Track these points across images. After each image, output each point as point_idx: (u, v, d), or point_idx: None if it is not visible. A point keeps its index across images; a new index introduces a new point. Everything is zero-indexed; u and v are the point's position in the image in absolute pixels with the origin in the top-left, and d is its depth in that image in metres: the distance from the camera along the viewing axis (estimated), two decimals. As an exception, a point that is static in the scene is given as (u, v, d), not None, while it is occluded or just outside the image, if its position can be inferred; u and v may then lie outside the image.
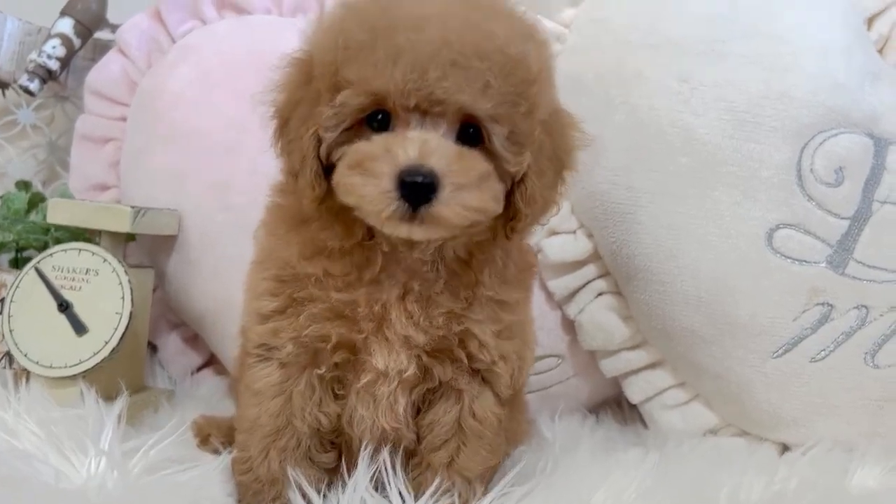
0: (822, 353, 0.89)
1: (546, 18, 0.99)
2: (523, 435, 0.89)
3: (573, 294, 0.99)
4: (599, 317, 0.98)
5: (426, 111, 0.61)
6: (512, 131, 0.62)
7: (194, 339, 1.13)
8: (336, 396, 0.73)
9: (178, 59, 1.10)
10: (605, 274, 0.98)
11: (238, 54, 1.08)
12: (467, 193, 0.61)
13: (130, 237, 1.06)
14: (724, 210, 0.90)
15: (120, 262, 0.94)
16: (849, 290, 0.89)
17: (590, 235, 0.98)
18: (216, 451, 0.81)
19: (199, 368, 1.13)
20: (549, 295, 1.00)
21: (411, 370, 0.69)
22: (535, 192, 0.65)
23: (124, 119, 1.13)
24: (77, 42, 1.23)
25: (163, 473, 0.70)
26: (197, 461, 0.75)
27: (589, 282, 0.99)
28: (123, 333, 0.91)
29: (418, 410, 0.74)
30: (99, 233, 0.99)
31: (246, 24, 1.13)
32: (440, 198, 0.59)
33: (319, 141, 0.63)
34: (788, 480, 0.71)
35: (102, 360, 0.90)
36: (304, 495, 0.67)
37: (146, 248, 1.10)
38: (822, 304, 0.89)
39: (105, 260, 0.94)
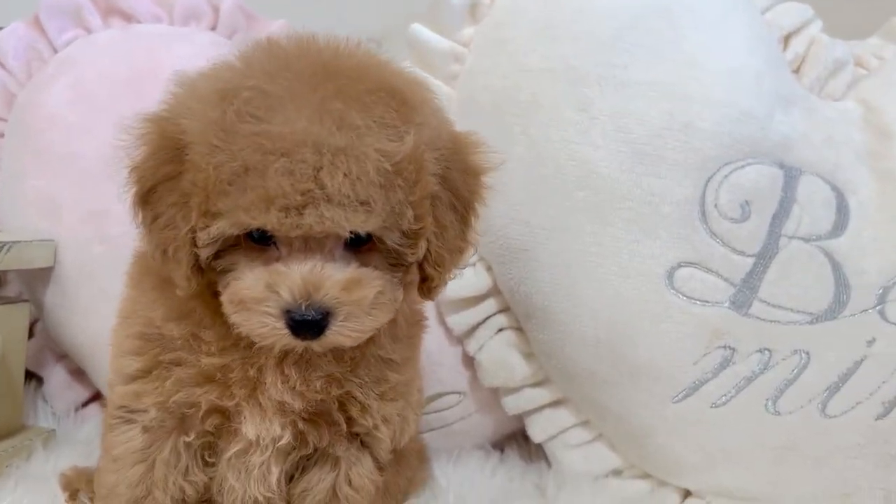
0: (724, 398, 0.85)
1: (445, 38, 0.93)
2: (416, 485, 0.85)
3: (473, 330, 0.94)
4: (500, 353, 0.94)
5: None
6: (403, 231, 0.58)
7: (80, 372, 1.06)
8: (206, 464, 0.68)
9: (57, 73, 1.02)
10: (505, 309, 0.94)
11: (119, 71, 1.00)
12: (361, 319, 0.58)
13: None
14: (623, 248, 0.85)
15: (-19, 302, 0.87)
16: (752, 333, 0.85)
17: (489, 269, 0.93)
18: (85, 509, 0.77)
19: (86, 403, 1.06)
20: (449, 330, 0.95)
21: (286, 438, 0.65)
22: (443, 252, 0.62)
23: (2, 135, 1.05)
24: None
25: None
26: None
27: (489, 317, 0.94)
28: (-15, 379, 0.85)
29: (291, 477, 0.69)
30: (-36, 268, 0.92)
31: (132, 34, 1.05)
32: (332, 328, 0.57)
33: (195, 238, 0.58)
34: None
35: (-38, 409, 0.84)
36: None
37: (23, 280, 1.03)
38: (724, 346, 0.85)
39: (-35, 300, 0.87)
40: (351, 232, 0.56)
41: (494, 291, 0.93)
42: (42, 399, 1.07)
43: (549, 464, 0.96)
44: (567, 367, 0.89)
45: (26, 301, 0.98)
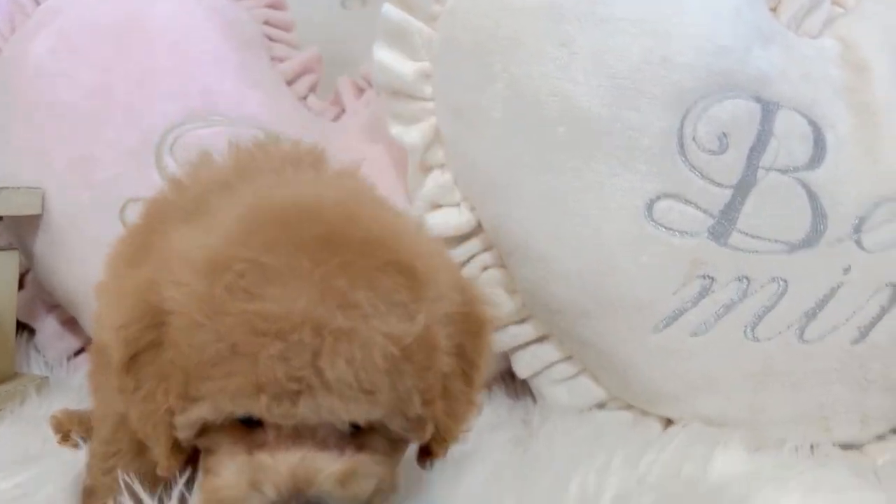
0: (703, 326, 0.87)
1: (425, -22, 0.94)
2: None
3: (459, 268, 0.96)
4: (485, 291, 0.95)
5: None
6: (409, 418, 0.52)
7: (72, 321, 1.08)
8: None
9: (40, 23, 1.03)
10: (489, 248, 0.95)
11: (102, 19, 1.01)
12: None
13: (-6, 217, 1.00)
14: (603, 181, 0.86)
15: (-31, 247, 0.88)
16: (730, 262, 0.87)
17: (473, 209, 0.94)
18: (77, 447, 0.78)
19: (77, 353, 1.08)
20: (434, 270, 0.97)
21: None
22: (450, 425, 0.56)
23: (-14, 89, 1.06)
24: (-61, 5, 1.14)
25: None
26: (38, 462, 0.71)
27: (474, 255, 0.95)
28: (-23, 323, 0.86)
29: None
30: (-46, 215, 0.93)
31: (114, -16, 1.06)
32: None
33: (171, 418, 0.52)
34: (653, 465, 0.69)
35: (-46, 352, 0.85)
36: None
37: (12, 229, 1.04)
38: (703, 276, 0.87)
39: (-46, 245, 0.88)
40: (352, 423, 0.51)
41: (479, 230, 0.95)
42: (34, 349, 1.09)
43: (534, 400, 0.98)
44: (550, 301, 0.91)
45: (15, 249, 0.99)
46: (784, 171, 0.89)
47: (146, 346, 0.52)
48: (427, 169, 0.95)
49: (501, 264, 0.95)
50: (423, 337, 0.51)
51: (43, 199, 0.98)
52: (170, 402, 0.51)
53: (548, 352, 0.95)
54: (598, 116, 0.86)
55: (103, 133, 0.97)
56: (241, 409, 0.49)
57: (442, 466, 0.65)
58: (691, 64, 0.86)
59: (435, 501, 0.62)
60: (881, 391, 0.87)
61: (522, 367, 0.97)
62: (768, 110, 0.89)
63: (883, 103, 0.91)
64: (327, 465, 0.51)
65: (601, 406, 0.95)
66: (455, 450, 0.68)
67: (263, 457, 0.51)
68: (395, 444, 0.54)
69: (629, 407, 0.93)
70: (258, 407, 0.48)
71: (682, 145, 0.87)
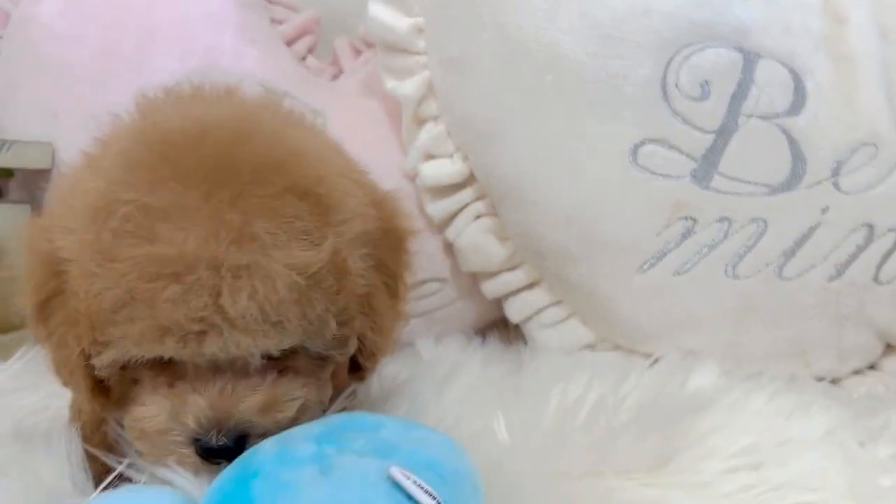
0: (686, 265, 0.91)
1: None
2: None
3: (452, 217, 0.99)
4: (477, 239, 0.99)
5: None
6: (328, 339, 0.52)
7: (81, 274, 1.12)
8: None
9: (48, -14, 1.07)
10: (482, 196, 0.98)
11: (107, -20, 1.05)
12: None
13: (7, 173, 1.05)
14: (589, 128, 0.90)
15: (-17, 197, 0.93)
16: (712, 204, 0.90)
17: (465, 158, 0.98)
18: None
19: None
20: (429, 219, 1.00)
21: None
22: (377, 340, 0.56)
23: (-2, 51, 1.10)
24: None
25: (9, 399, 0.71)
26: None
27: (467, 205, 0.99)
28: (-9, 269, 0.90)
29: None
30: (-32, 168, 0.97)
31: (118, -52, 1.10)
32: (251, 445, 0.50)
33: (88, 361, 0.52)
34: (634, 389, 0.73)
35: (-30, 296, 0.89)
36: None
37: (26, 187, 1.08)
38: (686, 217, 0.90)
39: (-31, 195, 0.93)
40: (264, 353, 0.50)
41: (471, 180, 0.98)
42: (46, 301, 1.13)
43: (526, 343, 1.02)
44: (539, 246, 0.94)
45: (27, 203, 1.03)
46: (765, 118, 0.92)
47: (50, 293, 0.52)
48: (421, 121, 0.99)
49: (493, 213, 0.99)
50: (332, 262, 0.50)
51: (53, 153, 1.02)
52: (82, 346, 0.51)
53: (538, 297, 0.99)
54: (583, 65, 0.89)
55: (110, 90, 1.01)
56: (148, 352, 0.49)
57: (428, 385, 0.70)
58: (673, 14, 0.89)
59: (419, 413, 0.65)
60: (857, 326, 0.91)
61: (514, 313, 1.01)
62: (749, 60, 0.92)
63: (861, 52, 0.94)
64: (247, 395, 0.50)
65: (590, 347, 0.98)
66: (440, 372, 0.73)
67: (184, 388, 0.50)
68: (320, 363, 0.54)
69: (617, 348, 0.97)
70: (164, 349, 0.48)
71: (665, 92, 0.90)
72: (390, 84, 0.98)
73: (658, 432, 0.59)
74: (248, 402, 0.50)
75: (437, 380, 0.72)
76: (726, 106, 0.91)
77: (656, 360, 0.87)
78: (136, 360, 0.50)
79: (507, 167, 0.93)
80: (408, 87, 0.97)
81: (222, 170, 0.49)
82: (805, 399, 0.68)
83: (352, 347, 0.54)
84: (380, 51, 0.99)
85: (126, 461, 0.56)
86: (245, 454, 0.47)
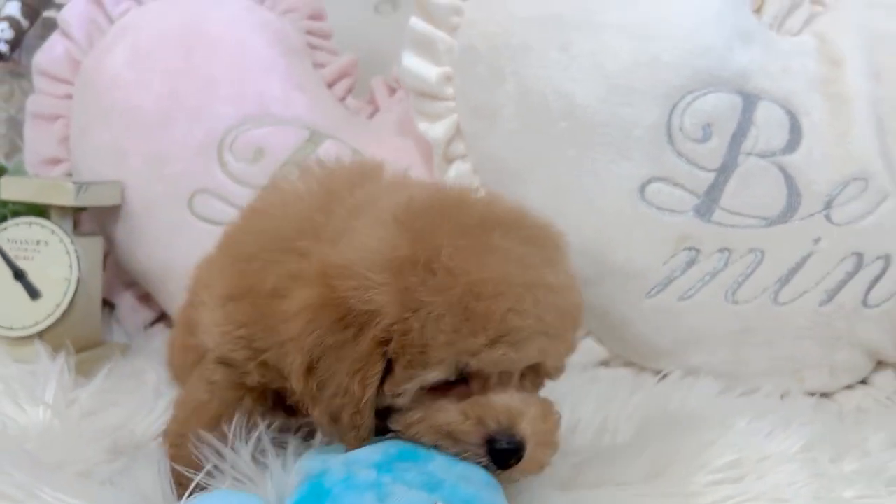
0: (690, 291, 1.00)
1: (444, -6, 1.07)
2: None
3: (479, 246, 1.10)
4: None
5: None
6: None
7: (146, 297, 1.24)
8: None
9: (115, 39, 1.19)
10: (506, 227, 1.09)
11: (168, 33, 1.16)
12: (549, 447, 0.61)
13: (81, 208, 1.17)
14: (601, 168, 1.00)
15: (66, 232, 1.05)
16: (713, 236, 1.00)
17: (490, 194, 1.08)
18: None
19: (153, 323, 1.24)
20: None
21: None
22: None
23: (70, 97, 1.22)
24: (25, 23, 1.31)
25: (98, 415, 0.82)
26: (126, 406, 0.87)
27: (492, 235, 1.09)
28: (73, 297, 1.03)
29: None
30: (48, 206, 1.09)
31: (176, 2, 1.21)
32: (525, 457, 0.59)
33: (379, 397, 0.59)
34: (639, 407, 0.83)
35: (55, 322, 1.02)
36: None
37: (96, 217, 1.21)
38: (690, 248, 1.00)
39: (53, 231, 1.05)
40: (556, 365, 0.63)
41: (496, 212, 1.08)
42: (115, 321, 1.25)
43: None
44: (558, 272, 1.05)
45: (99, 235, 1.16)
46: (763, 156, 1.01)
47: (330, 347, 0.58)
48: (450, 160, 1.09)
49: (516, 241, 1.09)
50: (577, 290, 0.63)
51: (122, 191, 1.14)
52: (372, 388, 0.58)
53: (558, 317, 1.09)
54: (595, 111, 0.99)
55: (172, 133, 1.13)
56: (481, 362, 0.57)
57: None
58: (677, 63, 0.99)
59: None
60: (847, 346, 1.00)
61: (536, 331, 1.11)
62: (749, 102, 1.02)
63: (854, 92, 1.03)
64: (531, 410, 0.60)
65: (605, 364, 1.08)
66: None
67: (479, 398, 0.59)
68: (540, 383, 0.64)
69: (629, 364, 1.07)
70: (494, 356, 0.57)
71: (670, 135, 0.99)
72: (422, 126, 1.09)
73: (655, 447, 0.69)
74: (532, 410, 0.60)
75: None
76: (727, 146, 1.00)
77: (663, 377, 0.97)
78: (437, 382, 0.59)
79: (527, 203, 1.02)
80: (438, 130, 1.07)
81: (489, 218, 0.61)
82: (789, 416, 0.77)
83: (563, 371, 0.65)
84: (412, 96, 1.09)
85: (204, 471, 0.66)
86: (317, 473, 0.56)
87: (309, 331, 0.58)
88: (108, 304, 1.27)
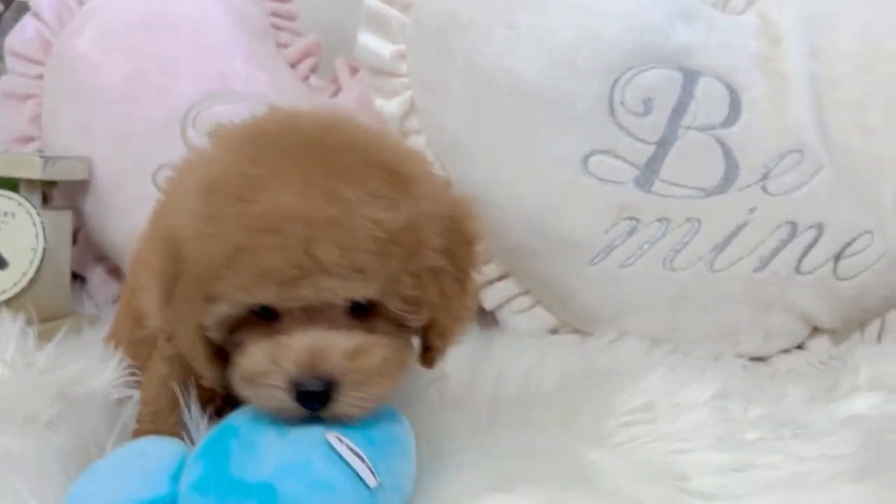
0: (630, 259, 1.04)
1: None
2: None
3: (433, 218, 1.14)
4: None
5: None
6: (403, 298, 0.58)
7: (116, 271, 1.28)
8: None
9: (84, 21, 1.23)
10: (458, 200, 1.13)
11: (134, 14, 1.20)
12: (368, 387, 0.57)
13: (51, 183, 1.21)
14: (546, 141, 1.04)
15: (33, 205, 1.09)
16: (653, 206, 1.04)
17: (443, 167, 1.12)
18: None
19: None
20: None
21: None
22: (448, 322, 0.62)
23: (42, 77, 1.26)
24: (0, 7, 1.36)
25: (55, 373, 0.86)
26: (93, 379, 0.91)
27: (445, 207, 1.13)
28: (39, 266, 1.07)
29: None
30: (18, 180, 1.14)
31: (144, -14, 1.26)
32: (338, 398, 0.56)
33: (204, 329, 0.59)
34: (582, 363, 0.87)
35: (22, 290, 1.06)
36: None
37: (66, 193, 1.25)
38: (630, 218, 1.04)
39: (20, 203, 1.09)
40: (350, 300, 0.56)
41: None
42: (87, 295, 1.29)
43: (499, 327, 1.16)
44: (506, 244, 1.09)
45: (69, 209, 1.20)
46: (702, 129, 1.05)
47: (174, 278, 0.59)
48: (405, 134, 1.13)
49: (469, 214, 1.13)
50: (408, 227, 0.56)
51: (90, 166, 1.19)
52: (198, 317, 0.58)
53: (508, 287, 1.13)
54: (540, 86, 1.03)
55: (138, 111, 1.17)
56: (253, 297, 0.56)
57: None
58: (619, 39, 1.03)
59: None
60: (781, 311, 1.04)
61: (488, 301, 1.15)
62: (689, 78, 1.06)
63: (793, 69, 1.07)
64: (338, 342, 0.56)
65: (554, 331, 1.13)
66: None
67: (282, 338, 0.57)
68: (399, 329, 0.60)
69: (576, 331, 1.11)
70: (267, 294, 0.55)
71: (612, 109, 1.03)
72: (378, 102, 1.13)
73: (572, 394, 0.73)
74: (338, 347, 0.56)
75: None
76: (667, 120, 1.04)
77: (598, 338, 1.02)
78: (243, 318, 0.57)
79: (477, 176, 1.07)
80: (393, 106, 1.11)
81: (313, 147, 0.58)
82: (704, 368, 0.81)
83: (425, 314, 0.59)
84: (368, 73, 1.13)
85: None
86: (228, 418, 0.59)
87: (161, 267, 0.59)
88: (80, 278, 1.31)
